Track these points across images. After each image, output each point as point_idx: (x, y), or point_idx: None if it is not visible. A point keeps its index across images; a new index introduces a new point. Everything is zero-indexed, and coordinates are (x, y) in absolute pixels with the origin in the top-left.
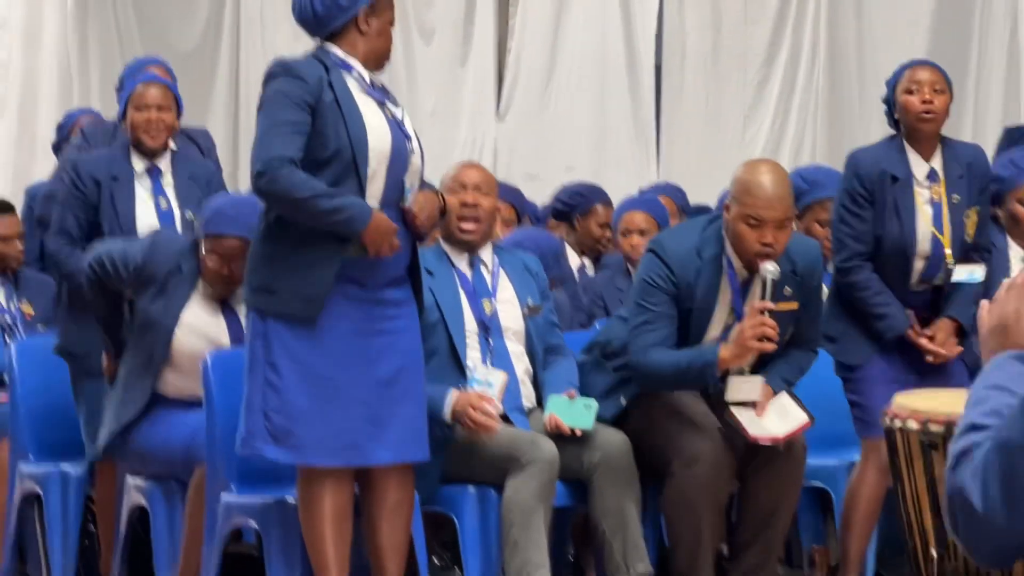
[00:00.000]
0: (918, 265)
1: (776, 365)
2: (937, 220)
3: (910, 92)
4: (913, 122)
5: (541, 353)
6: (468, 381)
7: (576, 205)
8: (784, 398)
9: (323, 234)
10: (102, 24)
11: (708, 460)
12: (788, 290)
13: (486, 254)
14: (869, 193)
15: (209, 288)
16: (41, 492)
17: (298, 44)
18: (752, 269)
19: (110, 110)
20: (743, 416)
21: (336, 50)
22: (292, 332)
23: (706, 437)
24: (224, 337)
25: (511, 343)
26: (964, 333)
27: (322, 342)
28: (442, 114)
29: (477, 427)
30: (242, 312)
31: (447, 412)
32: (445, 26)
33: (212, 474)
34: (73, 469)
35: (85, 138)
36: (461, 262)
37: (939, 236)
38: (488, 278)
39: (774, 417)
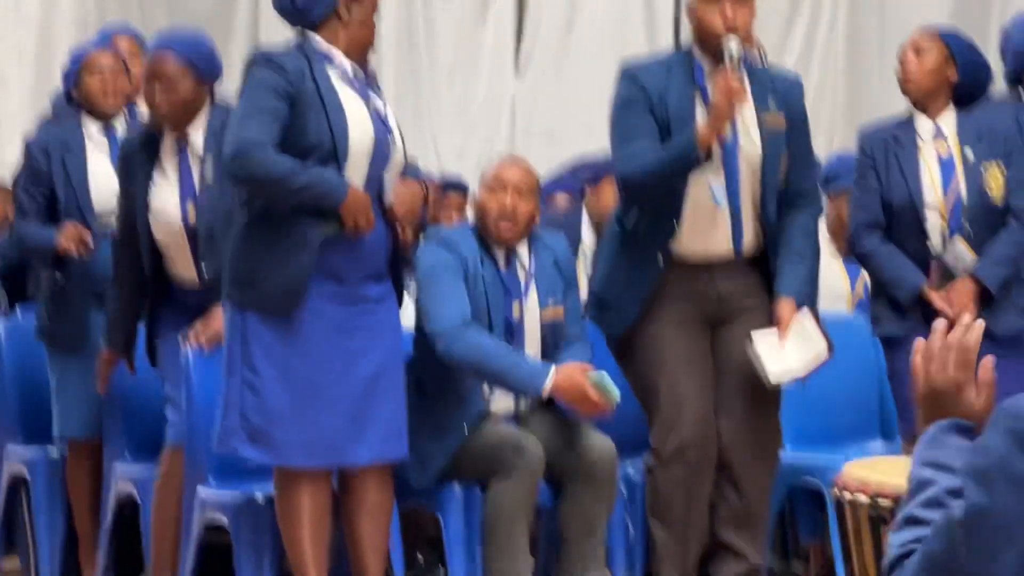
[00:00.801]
0: (936, 224)
1: (784, 268)
2: (948, 175)
3: (900, 61)
4: (902, 88)
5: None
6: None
7: (586, 179)
8: (806, 320)
9: (300, 223)
10: None
11: (687, 457)
12: (772, 103)
13: (522, 250)
14: (872, 160)
15: (169, 138)
16: (28, 476)
17: None
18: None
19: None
20: (764, 349)
21: (319, 40)
22: (271, 330)
23: (689, 405)
24: (176, 218)
25: (530, 349)
26: (990, 297)
27: (301, 341)
28: (461, 70)
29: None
30: (194, 160)
31: (547, 387)
32: None
33: (191, 466)
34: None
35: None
36: (500, 257)
37: (949, 190)
38: (522, 278)
39: (795, 343)
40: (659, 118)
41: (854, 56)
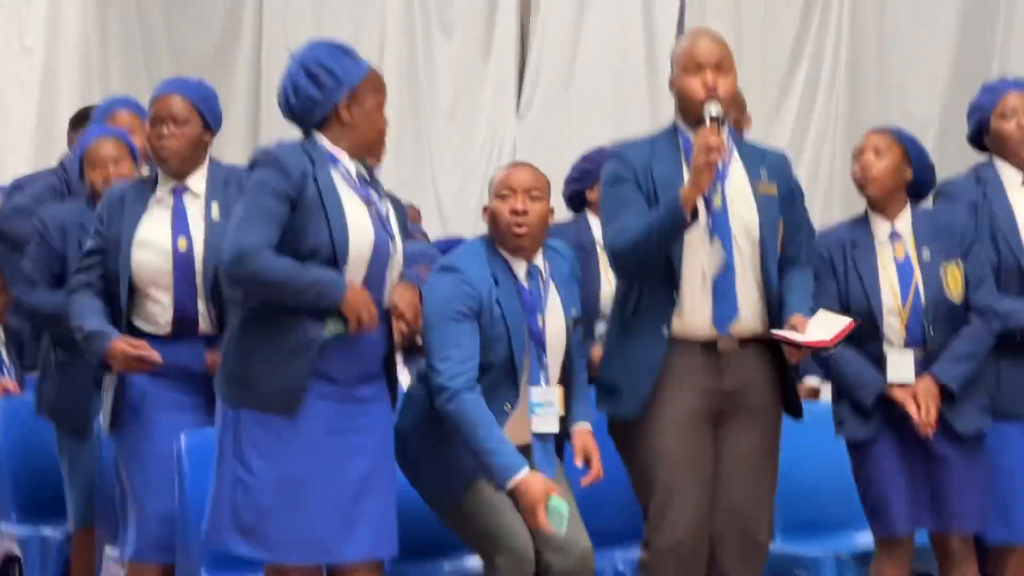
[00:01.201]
0: (893, 325)
1: (791, 296)
2: (906, 278)
3: (855, 159)
4: (857, 188)
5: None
6: (530, 407)
7: (584, 178)
8: (821, 313)
9: (301, 324)
10: (123, 9)
11: (681, 554)
12: (765, 173)
13: (539, 261)
14: (830, 265)
15: (166, 187)
16: (21, 555)
17: (319, 33)
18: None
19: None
20: (786, 331)
21: (324, 141)
22: (263, 427)
23: (686, 502)
24: (166, 239)
25: (554, 359)
26: (951, 394)
27: (293, 439)
28: (461, 111)
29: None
30: (192, 203)
31: (508, 487)
32: (466, 23)
33: (183, 560)
34: (54, 533)
35: (65, 170)
36: (520, 271)
37: (908, 293)
38: (542, 289)
39: (816, 329)
40: (646, 193)
41: (854, 105)
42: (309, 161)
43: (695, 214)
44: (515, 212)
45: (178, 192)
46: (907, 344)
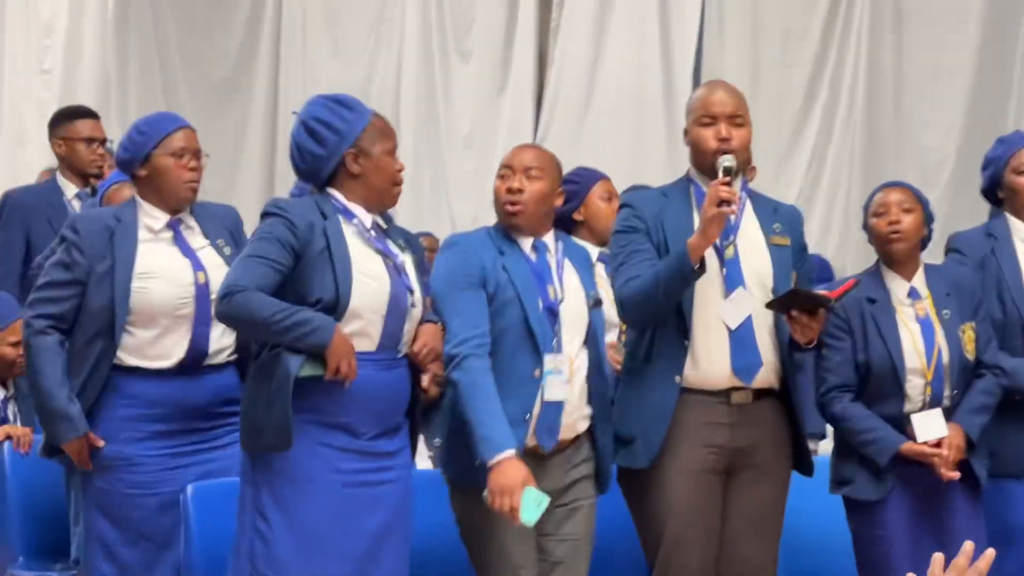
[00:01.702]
0: (917, 385)
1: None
2: (928, 336)
3: (878, 215)
4: (882, 244)
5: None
6: (543, 372)
7: (571, 199)
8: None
9: (281, 361)
10: (141, 33)
11: None
12: (778, 226)
13: (549, 239)
14: (846, 323)
15: (159, 220)
16: None
17: (337, 60)
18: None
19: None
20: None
21: (336, 195)
22: (280, 478)
23: (693, 556)
24: (186, 271)
25: (572, 334)
26: (970, 444)
27: (312, 493)
28: (478, 139)
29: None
30: (196, 244)
31: (490, 463)
32: (484, 52)
33: None
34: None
35: None
36: (525, 245)
37: (932, 353)
38: (553, 264)
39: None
40: (657, 243)
41: (871, 141)
42: (320, 215)
43: (703, 265)
44: (510, 191)
45: (174, 225)
46: (928, 405)
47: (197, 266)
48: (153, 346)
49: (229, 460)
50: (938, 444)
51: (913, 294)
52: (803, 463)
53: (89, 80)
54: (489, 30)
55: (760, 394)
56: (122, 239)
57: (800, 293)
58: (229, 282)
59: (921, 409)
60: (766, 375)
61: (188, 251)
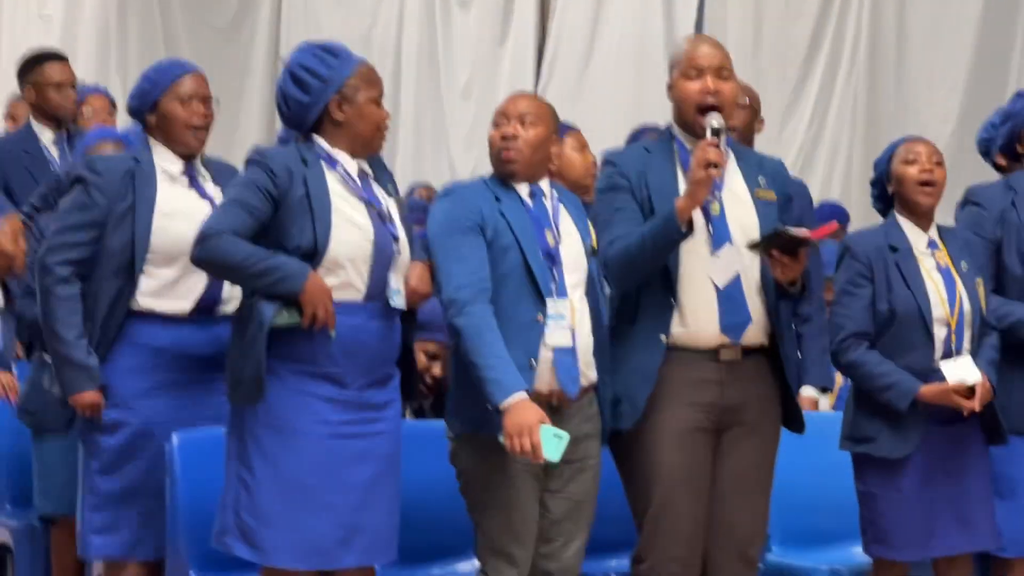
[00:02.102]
0: (940, 334)
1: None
2: (950, 285)
3: (909, 163)
4: (912, 193)
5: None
6: (546, 315)
7: None
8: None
9: (256, 310)
10: None
11: (672, 571)
12: (763, 180)
13: (544, 185)
14: (868, 269)
15: (175, 163)
16: (12, 544)
17: (339, 8)
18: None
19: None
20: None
21: (321, 143)
22: (267, 429)
23: (682, 518)
24: (209, 210)
25: (571, 279)
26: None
27: (297, 444)
28: (478, 90)
29: (518, 445)
30: (207, 185)
31: (503, 405)
32: (485, 2)
33: (173, 560)
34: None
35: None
36: (522, 191)
37: (955, 302)
38: (549, 209)
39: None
40: (641, 201)
41: (872, 95)
42: (301, 162)
43: (690, 226)
44: (504, 137)
45: (190, 171)
46: (949, 355)
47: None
48: (172, 288)
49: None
50: (971, 390)
51: (932, 245)
52: (793, 420)
53: (89, 26)
54: None
55: (749, 351)
56: (143, 179)
57: (780, 232)
58: (205, 226)
59: (942, 359)
60: (755, 333)
61: (205, 194)
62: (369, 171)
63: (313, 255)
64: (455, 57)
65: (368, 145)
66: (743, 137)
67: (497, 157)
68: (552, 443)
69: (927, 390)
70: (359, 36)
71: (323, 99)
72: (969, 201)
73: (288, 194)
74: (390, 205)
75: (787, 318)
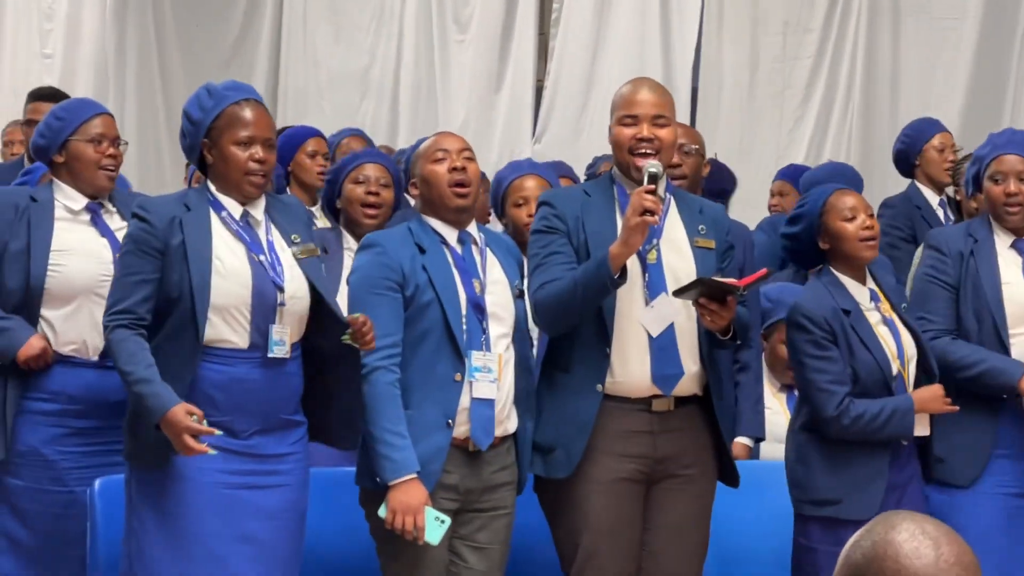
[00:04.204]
0: (892, 383)
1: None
2: (896, 337)
3: (848, 219)
4: (857, 250)
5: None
6: (467, 370)
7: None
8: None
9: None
10: (140, 18)
11: None
12: (703, 228)
13: (472, 230)
14: (831, 334)
15: (78, 202)
16: None
17: (338, 46)
18: (641, 182)
19: (144, 106)
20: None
21: (211, 186)
22: (152, 479)
23: (607, 571)
24: (106, 250)
25: (499, 329)
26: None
27: (182, 492)
28: (474, 127)
29: (405, 533)
30: (115, 225)
31: (391, 483)
32: (483, 42)
33: None
34: None
35: None
36: (451, 237)
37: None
38: (477, 257)
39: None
40: (577, 245)
41: (867, 136)
42: (184, 208)
43: (623, 273)
44: (455, 169)
45: (93, 207)
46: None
47: (116, 247)
48: (68, 328)
49: None
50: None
51: (874, 297)
52: (728, 473)
53: (88, 65)
54: (489, 20)
55: (683, 400)
56: (39, 217)
57: (706, 282)
58: (108, 308)
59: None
60: (688, 384)
61: (107, 231)
62: (260, 218)
63: (191, 302)
64: (452, 94)
65: (237, 189)
66: (693, 183)
67: (449, 193)
68: (434, 526)
69: (920, 397)
70: (357, 72)
71: (197, 142)
72: (928, 246)
73: (169, 243)
74: (283, 254)
75: (726, 369)
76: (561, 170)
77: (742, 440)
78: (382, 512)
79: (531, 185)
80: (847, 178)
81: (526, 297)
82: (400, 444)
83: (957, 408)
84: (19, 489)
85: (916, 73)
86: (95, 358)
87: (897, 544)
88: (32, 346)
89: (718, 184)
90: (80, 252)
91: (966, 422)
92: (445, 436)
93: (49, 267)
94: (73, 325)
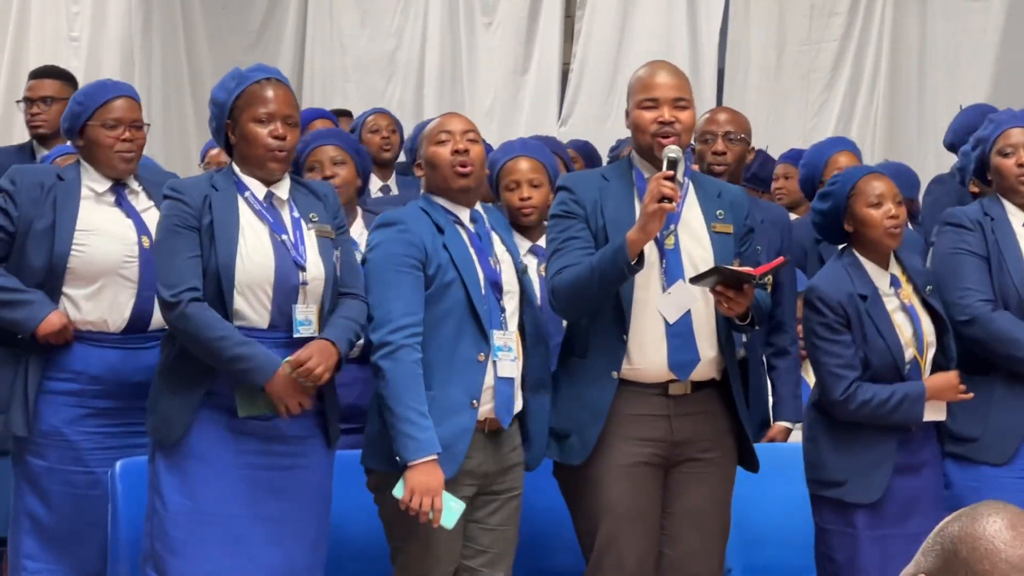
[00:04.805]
0: (906, 369)
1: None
2: (916, 323)
3: (874, 205)
4: (881, 237)
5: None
6: (491, 350)
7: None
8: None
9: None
10: (166, 3)
11: None
12: (721, 212)
13: (479, 209)
14: (843, 318)
15: (102, 184)
16: None
17: (364, 29)
18: (659, 168)
19: (170, 88)
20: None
21: (235, 168)
22: (175, 459)
23: (627, 556)
24: (130, 230)
25: (512, 305)
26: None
27: (204, 472)
28: (500, 113)
29: (422, 515)
30: (140, 206)
31: (411, 464)
32: (509, 26)
33: None
34: None
35: None
36: (464, 216)
37: (921, 339)
38: (487, 234)
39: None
40: (596, 230)
41: (893, 120)
42: (212, 188)
43: (640, 259)
44: (457, 152)
45: (118, 188)
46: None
47: (141, 229)
48: (91, 308)
49: None
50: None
51: (895, 283)
52: (748, 458)
53: (114, 47)
54: (515, 2)
55: (700, 384)
56: (65, 197)
57: (722, 270)
58: (172, 287)
59: None
60: (704, 370)
61: (133, 212)
62: (284, 197)
63: (218, 282)
64: (478, 77)
65: (260, 167)
66: (735, 170)
67: (451, 173)
68: (450, 510)
69: (931, 383)
70: (383, 56)
71: (220, 124)
72: (948, 224)
73: (201, 223)
74: (308, 232)
75: (756, 354)
76: (552, 145)
77: (783, 424)
78: (398, 492)
79: (523, 167)
80: (904, 178)
81: (531, 272)
82: (423, 424)
83: (971, 396)
84: (42, 470)
85: (943, 56)
86: (118, 337)
87: (993, 530)
88: (51, 322)
89: (765, 172)
90: (105, 232)
91: (1009, 399)
92: (470, 417)
93: (74, 246)
94: (95, 305)
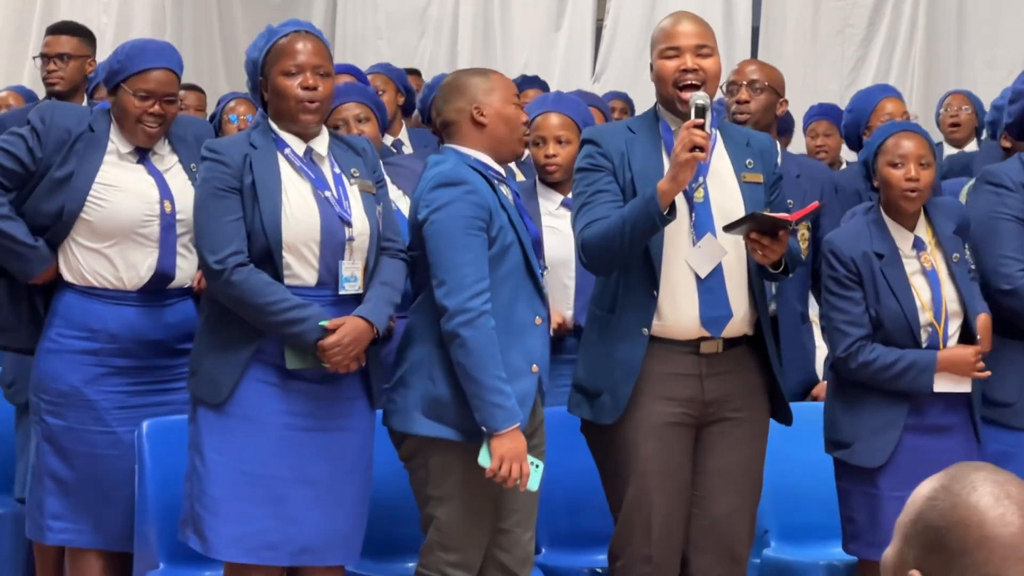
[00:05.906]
0: (924, 335)
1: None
2: (935, 288)
3: (895, 165)
4: (897, 199)
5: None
6: (544, 317)
7: None
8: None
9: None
10: None
11: (646, 571)
12: (750, 162)
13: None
14: (855, 274)
15: (126, 145)
16: None
17: None
18: (687, 116)
19: (201, 47)
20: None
21: (273, 125)
22: (220, 418)
23: (656, 517)
24: (153, 189)
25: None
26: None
27: (245, 433)
28: (535, 70)
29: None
30: (164, 166)
31: (498, 432)
32: None
33: (140, 551)
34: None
35: None
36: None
37: (940, 304)
38: (515, 192)
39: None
40: (623, 183)
41: (930, 76)
42: (251, 147)
43: (672, 210)
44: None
45: (140, 150)
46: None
47: (164, 192)
48: (105, 262)
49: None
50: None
51: (918, 245)
52: (781, 411)
53: (145, 6)
54: None
55: (732, 342)
56: (90, 147)
57: (757, 217)
58: (218, 253)
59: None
60: (737, 326)
61: (155, 172)
62: (323, 153)
63: (265, 239)
64: (512, 33)
65: (293, 119)
66: (764, 120)
67: (518, 140)
68: (534, 473)
69: (944, 355)
70: (416, 12)
71: (255, 82)
72: (987, 182)
73: (242, 181)
74: (352, 189)
75: (791, 308)
76: (591, 100)
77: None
78: (484, 460)
79: (552, 123)
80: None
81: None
82: (508, 391)
83: (989, 374)
84: (61, 429)
85: (981, 11)
86: (134, 295)
87: (982, 510)
88: (44, 280)
89: (784, 123)
90: (126, 190)
91: None
92: (531, 382)
93: (94, 200)
94: (107, 261)
